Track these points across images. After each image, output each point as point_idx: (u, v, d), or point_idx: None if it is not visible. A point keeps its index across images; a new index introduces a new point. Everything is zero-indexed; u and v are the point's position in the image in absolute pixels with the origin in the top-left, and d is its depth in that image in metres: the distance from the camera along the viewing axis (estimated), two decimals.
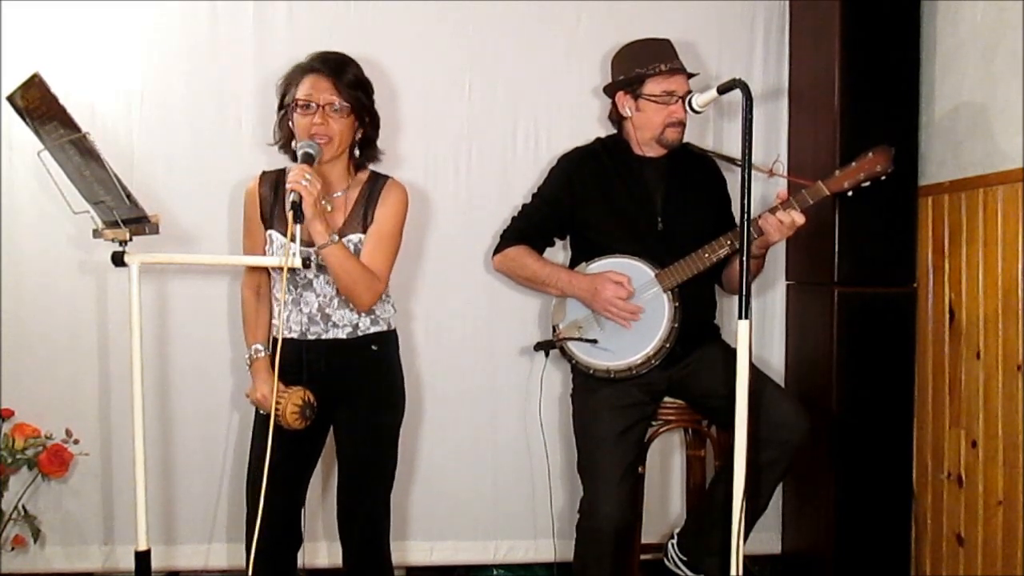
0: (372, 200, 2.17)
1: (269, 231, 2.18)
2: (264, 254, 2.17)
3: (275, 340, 2.20)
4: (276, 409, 2.09)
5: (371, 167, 2.25)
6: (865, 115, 2.59)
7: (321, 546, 2.79)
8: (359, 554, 2.24)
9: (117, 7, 2.75)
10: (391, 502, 2.28)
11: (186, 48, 2.78)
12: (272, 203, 2.19)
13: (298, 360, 2.17)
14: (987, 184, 2.43)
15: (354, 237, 2.13)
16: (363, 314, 2.19)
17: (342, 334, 2.18)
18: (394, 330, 2.28)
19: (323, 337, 2.17)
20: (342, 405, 2.20)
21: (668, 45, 2.47)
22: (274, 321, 2.23)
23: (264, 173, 2.24)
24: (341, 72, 2.10)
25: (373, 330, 2.21)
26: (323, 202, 2.14)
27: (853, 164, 2.30)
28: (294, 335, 2.18)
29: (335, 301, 2.17)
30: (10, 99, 1.73)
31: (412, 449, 2.89)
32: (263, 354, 2.21)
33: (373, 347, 2.21)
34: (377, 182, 2.21)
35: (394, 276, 2.23)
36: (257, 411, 2.21)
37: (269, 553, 2.16)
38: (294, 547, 2.26)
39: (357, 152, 2.21)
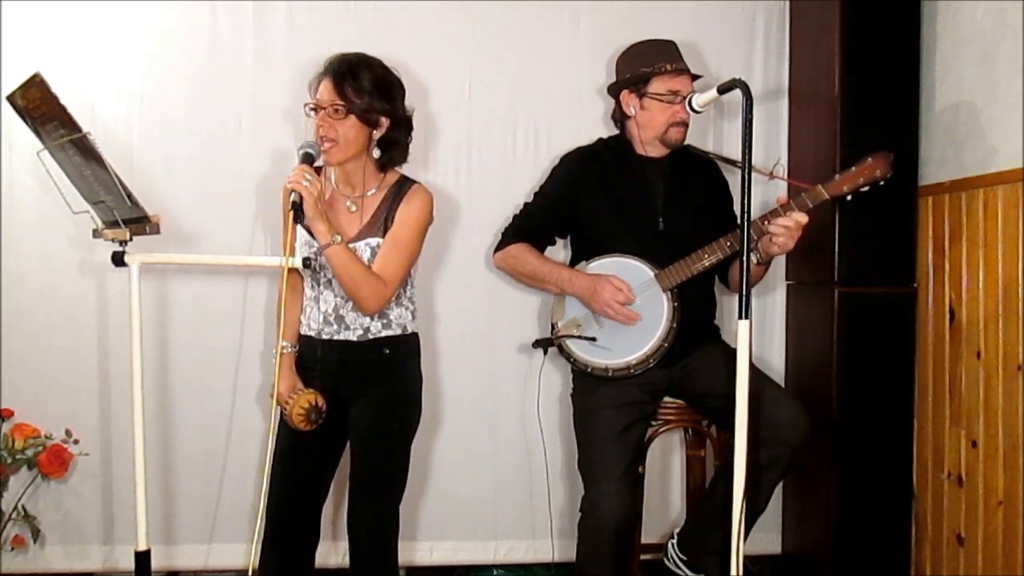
0: (394, 205, 2.16)
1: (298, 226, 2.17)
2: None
3: (300, 336, 2.25)
4: (284, 409, 2.12)
5: (401, 171, 2.24)
6: (865, 115, 2.59)
7: (328, 546, 2.79)
8: (364, 555, 2.24)
9: (117, 7, 2.75)
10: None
11: (186, 48, 2.79)
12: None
13: (313, 358, 2.20)
14: (987, 184, 2.43)
15: (372, 241, 2.13)
16: (375, 318, 2.18)
17: (353, 336, 2.17)
18: (412, 334, 2.26)
19: (335, 338, 2.18)
20: (354, 406, 2.20)
21: (673, 46, 2.47)
22: (301, 316, 2.23)
23: None
24: (347, 75, 2.07)
25: (384, 334, 2.20)
26: (347, 202, 2.16)
27: (853, 169, 2.30)
28: (312, 333, 2.20)
29: (349, 304, 2.16)
30: (10, 99, 1.73)
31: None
32: (289, 350, 2.23)
33: (385, 351, 2.20)
34: (403, 187, 2.19)
35: None
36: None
37: (285, 548, 2.18)
38: (311, 543, 2.27)
39: (377, 153, 2.17)
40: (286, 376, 2.18)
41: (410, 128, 2.20)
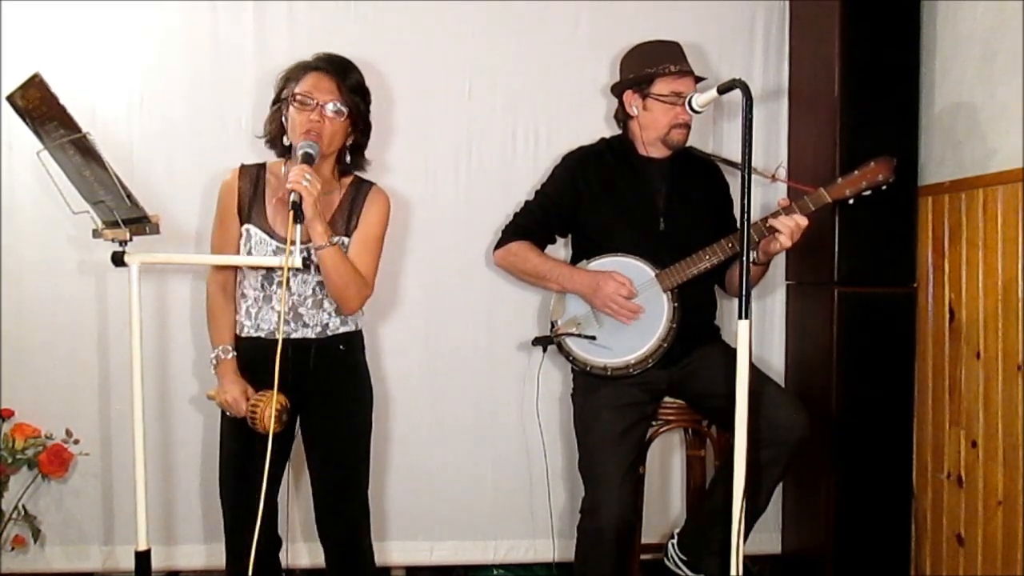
0: (356, 205, 2.17)
1: (246, 226, 2.15)
2: (237, 249, 2.15)
3: (243, 339, 2.18)
4: (252, 414, 2.07)
5: (355, 172, 2.24)
6: (865, 115, 2.59)
7: (301, 547, 2.79)
8: (341, 554, 2.24)
9: (117, 7, 2.75)
10: (370, 500, 2.27)
11: (186, 48, 2.79)
12: (251, 197, 2.16)
13: (265, 360, 2.08)
14: (987, 184, 2.43)
15: (335, 239, 2.11)
16: (333, 313, 2.17)
17: (311, 334, 2.16)
18: (360, 331, 2.27)
19: (292, 336, 2.14)
20: (310, 405, 2.18)
21: (677, 47, 2.48)
22: (239, 318, 2.18)
23: (243, 166, 2.21)
24: (345, 75, 2.09)
25: (342, 330, 2.20)
26: None
27: (855, 172, 2.31)
28: (262, 333, 2.15)
29: (309, 301, 2.15)
30: (10, 99, 1.72)
31: (411, 448, 2.89)
32: (232, 355, 2.18)
33: (340, 347, 2.19)
34: (361, 187, 2.20)
35: (396, 273, 2.22)
36: (223, 413, 2.18)
37: (255, 554, 2.16)
38: (276, 547, 2.26)
39: (347, 157, 2.19)
40: (234, 381, 2.13)
41: (370, 136, 2.21)
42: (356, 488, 2.23)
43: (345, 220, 2.15)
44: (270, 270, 2.12)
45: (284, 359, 2.06)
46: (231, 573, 2.18)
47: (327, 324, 2.17)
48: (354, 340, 2.24)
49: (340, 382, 2.20)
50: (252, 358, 2.15)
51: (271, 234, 2.11)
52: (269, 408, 2.02)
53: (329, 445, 2.20)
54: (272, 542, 2.24)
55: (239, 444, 2.14)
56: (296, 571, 2.79)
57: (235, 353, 2.18)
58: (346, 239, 2.14)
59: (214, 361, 2.19)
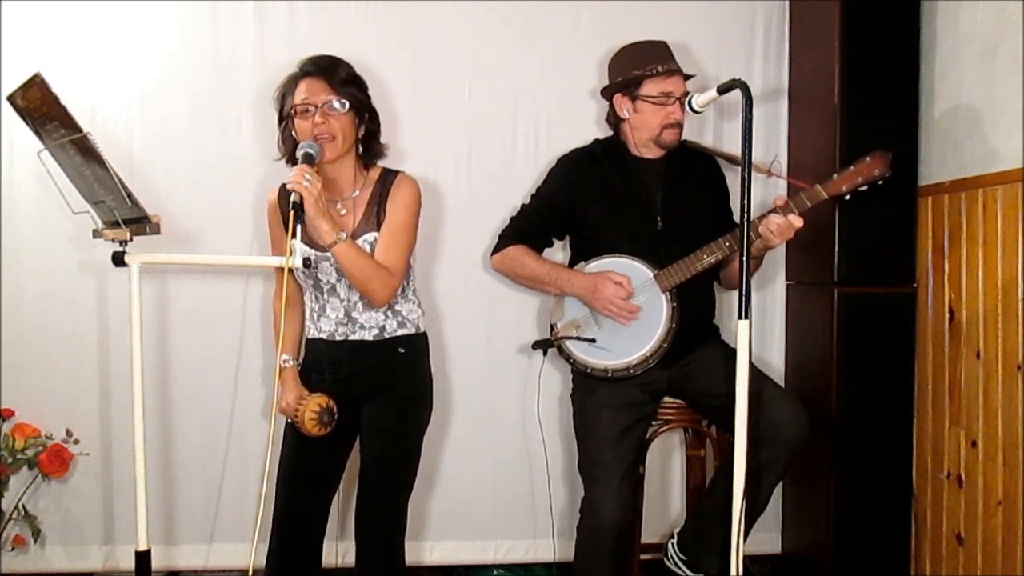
0: (384, 197, 2.17)
1: (292, 241, 2.18)
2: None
3: (308, 341, 2.25)
4: (296, 417, 2.12)
5: (381, 164, 2.25)
6: (865, 115, 2.59)
7: (332, 545, 2.78)
8: (373, 554, 2.24)
9: (117, 7, 2.76)
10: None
11: (186, 49, 2.79)
12: None
13: (324, 362, 2.20)
14: (987, 184, 2.43)
15: (369, 236, 2.14)
16: (389, 316, 2.19)
17: (368, 336, 2.18)
18: (423, 333, 2.28)
19: (351, 338, 2.18)
20: (368, 406, 2.21)
21: (664, 47, 2.47)
22: (307, 322, 2.23)
23: (282, 186, 2.24)
24: (333, 71, 2.10)
25: (400, 332, 2.21)
26: (337, 205, 2.16)
27: (851, 168, 2.30)
28: (323, 335, 2.20)
29: (359, 305, 2.17)
30: (10, 99, 1.73)
31: None
32: (291, 364, 2.24)
33: (400, 350, 2.21)
34: (388, 179, 2.21)
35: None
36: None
37: (291, 549, 2.18)
38: (318, 546, 2.27)
39: (361, 149, 2.20)
40: (292, 388, 2.20)
41: (379, 121, 2.22)
42: (397, 489, 2.23)
43: (375, 214, 2.16)
44: (318, 282, 2.17)
45: (340, 361, 2.18)
46: (272, 567, 2.19)
47: (383, 326, 2.19)
48: (415, 343, 2.25)
49: (396, 384, 2.22)
50: (311, 359, 2.24)
51: (311, 244, 2.13)
52: (307, 411, 2.10)
53: (378, 445, 2.21)
54: (318, 539, 2.26)
55: (292, 448, 2.19)
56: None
57: (295, 362, 2.25)
58: (378, 234, 2.15)
59: (278, 371, 2.24)
